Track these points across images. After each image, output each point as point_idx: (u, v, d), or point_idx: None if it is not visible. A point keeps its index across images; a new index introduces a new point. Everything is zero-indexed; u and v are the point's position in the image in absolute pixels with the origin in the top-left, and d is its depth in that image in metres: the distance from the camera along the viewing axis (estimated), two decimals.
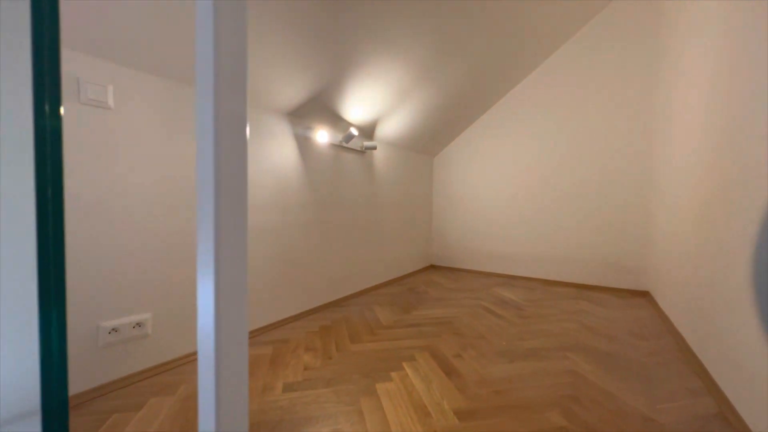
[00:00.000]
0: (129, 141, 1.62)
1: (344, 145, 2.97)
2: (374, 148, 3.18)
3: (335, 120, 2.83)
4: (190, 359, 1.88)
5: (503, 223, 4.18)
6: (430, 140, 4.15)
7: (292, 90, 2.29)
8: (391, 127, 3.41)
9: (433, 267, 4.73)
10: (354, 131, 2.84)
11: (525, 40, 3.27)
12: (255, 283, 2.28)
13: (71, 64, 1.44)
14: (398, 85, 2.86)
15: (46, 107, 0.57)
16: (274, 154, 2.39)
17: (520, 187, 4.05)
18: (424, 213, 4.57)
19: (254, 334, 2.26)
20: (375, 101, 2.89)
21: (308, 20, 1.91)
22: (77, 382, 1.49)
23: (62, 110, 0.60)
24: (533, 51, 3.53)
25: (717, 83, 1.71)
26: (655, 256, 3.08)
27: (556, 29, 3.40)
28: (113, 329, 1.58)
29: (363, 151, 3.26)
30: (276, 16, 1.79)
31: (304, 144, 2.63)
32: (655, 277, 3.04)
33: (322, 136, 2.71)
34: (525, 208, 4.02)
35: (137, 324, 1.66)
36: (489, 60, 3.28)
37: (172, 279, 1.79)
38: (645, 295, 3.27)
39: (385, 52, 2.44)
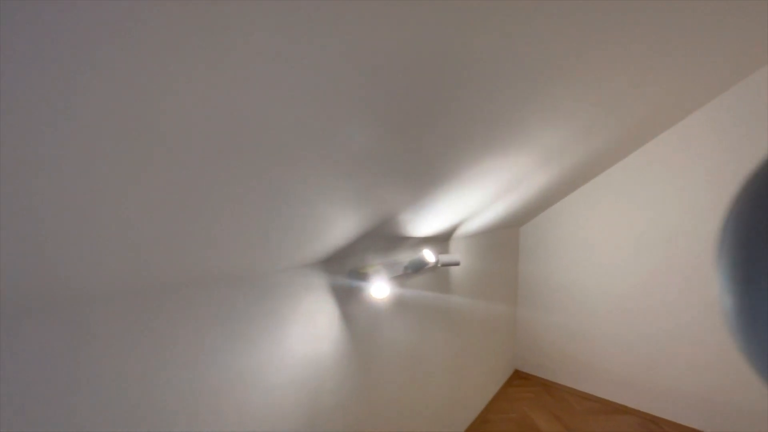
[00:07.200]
0: None
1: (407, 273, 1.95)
2: (457, 263, 2.13)
3: (393, 243, 1.83)
4: None
5: (627, 328, 2.89)
6: (514, 217, 3.01)
7: (332, 230, 1.33)
8: (475, 223, 2.34)
9: (518, 376, 3.53)
10: (428, 256, 1.83)
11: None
12: None
13: None
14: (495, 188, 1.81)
15: None
16: (309, 327, 1.46)
17: (647, 272, 2.73)
18: (507, 304, 3.41)
19: None
20: (456, 210, 1.86)
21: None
22: None
23: None
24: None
25: None
26: None
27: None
28: None
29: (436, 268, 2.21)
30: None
31: (347, 299, 1.67)
32: None
33: (379, 288, 1.65)
34: (657, 305, 2.70)
35: None
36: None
37: None
38: None
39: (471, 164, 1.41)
